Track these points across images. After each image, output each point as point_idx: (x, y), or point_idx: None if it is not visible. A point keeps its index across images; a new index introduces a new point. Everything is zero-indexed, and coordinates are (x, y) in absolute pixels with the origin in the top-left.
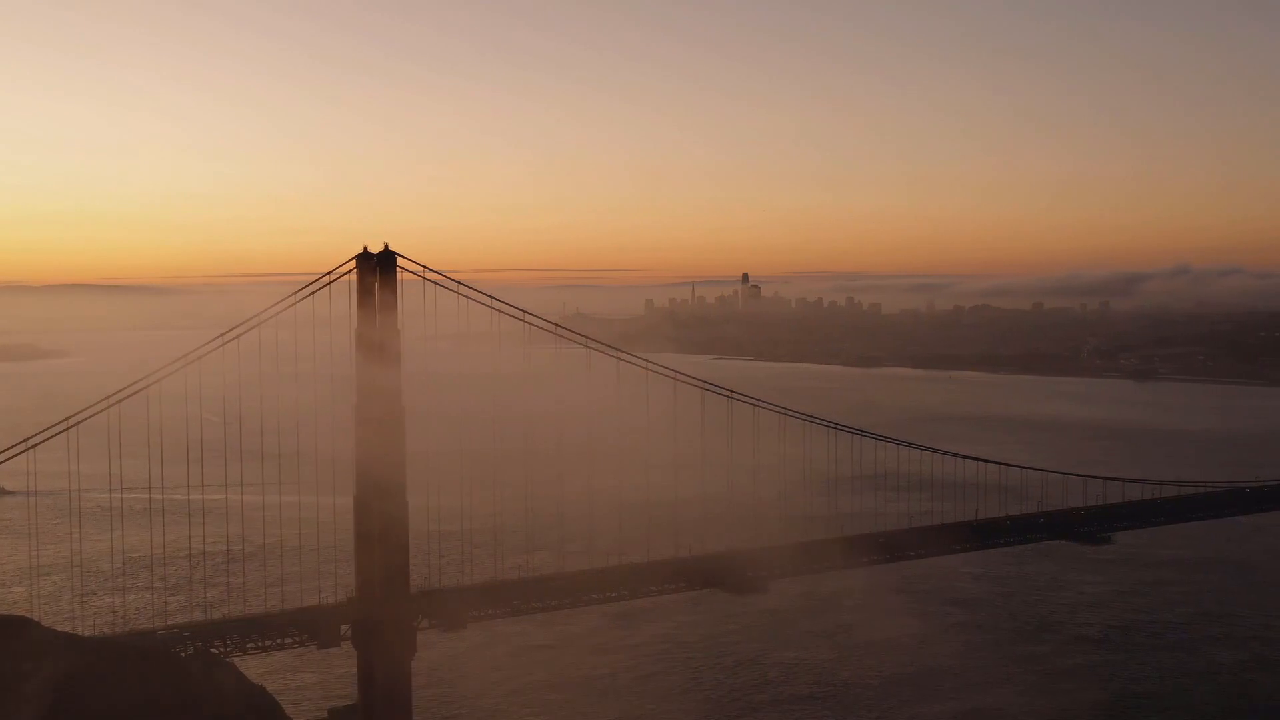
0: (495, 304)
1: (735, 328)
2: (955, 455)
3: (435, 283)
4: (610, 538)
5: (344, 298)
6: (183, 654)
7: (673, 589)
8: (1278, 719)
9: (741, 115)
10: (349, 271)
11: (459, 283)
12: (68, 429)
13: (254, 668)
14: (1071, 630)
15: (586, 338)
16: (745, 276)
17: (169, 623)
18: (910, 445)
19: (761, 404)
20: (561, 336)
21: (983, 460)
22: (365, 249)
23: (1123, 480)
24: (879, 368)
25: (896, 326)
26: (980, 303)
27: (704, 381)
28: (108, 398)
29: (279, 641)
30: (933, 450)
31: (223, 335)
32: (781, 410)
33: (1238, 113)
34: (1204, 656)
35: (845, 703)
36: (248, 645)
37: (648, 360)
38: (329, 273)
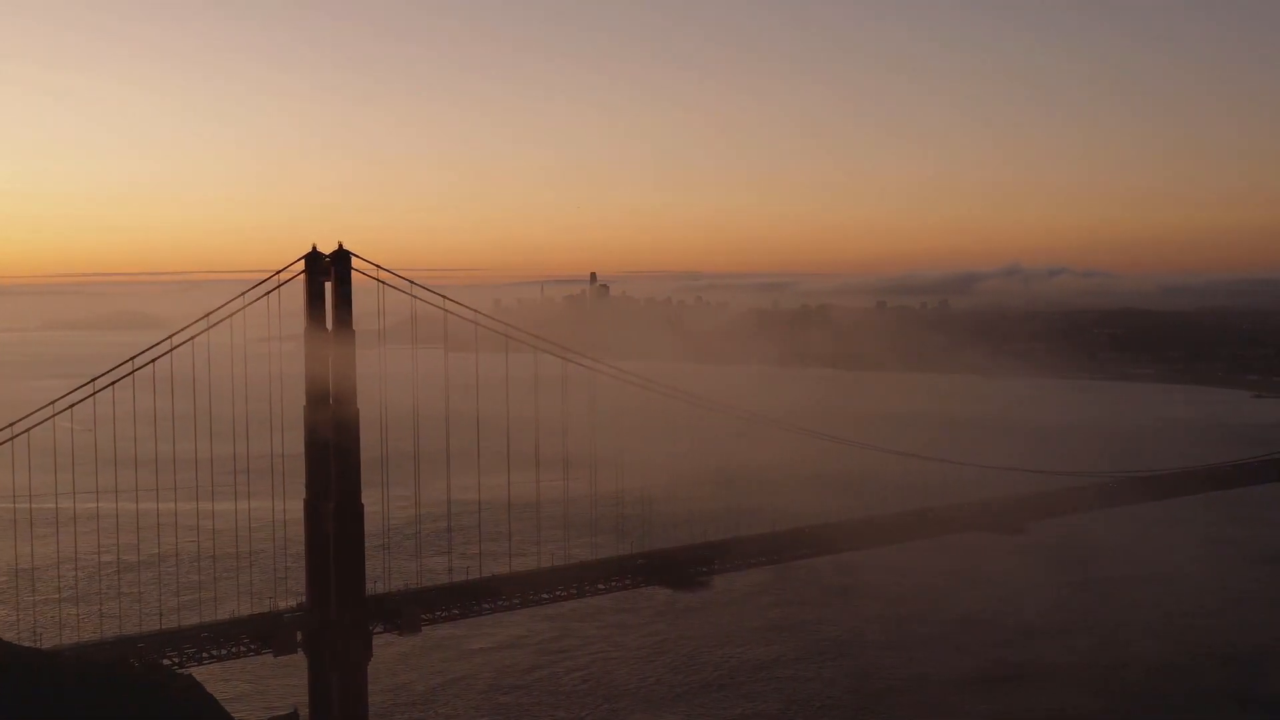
0: (448, 304)
1: (586, 327)
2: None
3: (385, 283)
4: (557, 537)
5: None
6: (135, 665)
7: (619, 586)
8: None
9: (577, 116)
10: (300, 273)
11: (411, 282)
12: (13, 438)
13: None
14: (1013, 620)
15: (537, 338)
16: (593, 276)
17: (120, 634)
18: (841, 440)
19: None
20: (511, 337)
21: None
22: (315, 248)
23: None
24: (735, 365)
25: (746, 325)
26: (825, 301)
27: (647, 381)
28: (52, 403)
29: (232, 650)
30: (872, 447)
31: (171, 338)
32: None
33: (1065, 118)
34: (1118, 640)
35: (795, 694)
36: (201, 655)
37: (595, 364)
38: (277, 273)
